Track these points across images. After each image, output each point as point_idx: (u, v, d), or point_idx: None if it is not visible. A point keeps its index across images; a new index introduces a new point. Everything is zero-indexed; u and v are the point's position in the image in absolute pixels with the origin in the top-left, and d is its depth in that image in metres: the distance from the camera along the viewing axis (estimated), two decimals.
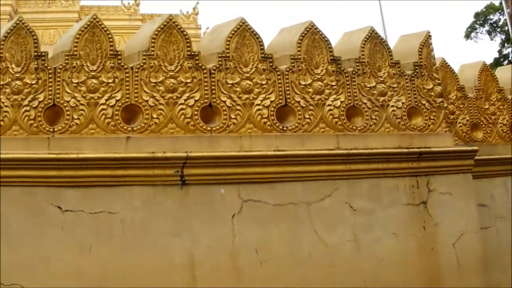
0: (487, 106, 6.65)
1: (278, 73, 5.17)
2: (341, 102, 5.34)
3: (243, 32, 5.15)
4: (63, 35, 21.65)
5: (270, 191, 5.17)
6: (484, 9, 37.01)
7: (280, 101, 5.14)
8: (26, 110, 4.71)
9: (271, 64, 5.16)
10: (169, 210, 4.93)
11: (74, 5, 23.59)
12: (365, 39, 5.58)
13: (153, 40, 4.91)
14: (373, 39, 5.62)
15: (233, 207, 5.07)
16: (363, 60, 5.51)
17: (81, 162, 4.75)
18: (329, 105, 5.31)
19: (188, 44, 4.98)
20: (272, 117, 5.08)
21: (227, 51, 5.07)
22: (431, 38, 5.96)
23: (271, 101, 5.11)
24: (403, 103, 5.57)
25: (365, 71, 5.48)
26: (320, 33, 5.40)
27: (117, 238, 4.81)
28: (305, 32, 5.34)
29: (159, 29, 4.94)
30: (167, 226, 4.90)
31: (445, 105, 5.82)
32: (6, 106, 4.69)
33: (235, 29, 5.13)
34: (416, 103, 5.64)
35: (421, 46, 5.84)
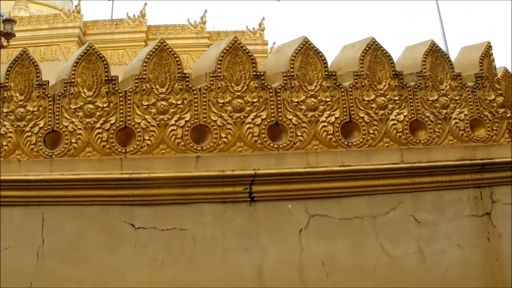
0: None
1: (342, 90, 5.25)
2: (404, 116, 5.38)
3: (306, 51, 5.23)
4: (132, 57, 22.05)
5: (336, 205, 5.24)
6: None
7: (345, 117, 5.21)
8: (99, 132, 4.89)
9: (335, 81, 5.24)
10: (238, 225, 5.04)
11: (142, 25, 24.16)
12: (426, 53, 5.62)
13: (219, 62, 5.04)
14: (434, 52, 5.64)
15: (300, 222, 5.14)
16: (425, 73, 5.54)
17: (153, 181, 4.92)
18: (393, 119, 5.35)
19: (253, 65, 5.08)
20: (337, 133, 5.16)
21: (292, 70, 5.16)
22: (491, 49, 5.96)
23: (336, 118, 5.19)
24: (465, 115, 5.58)
25: (427, 84, 5.52)
26: (382, 48, 5.45)
27: (188, 253, 4.95)
28: (367, 48, 5.40)
29: (224, 50, 5.06)
30: (237, 241, 5.02)
31: (508, 115, 5.78)
32: (79, 129, 4.90)
33: (299, 48, 5.22)
34: (479, 115, 5.65)
35: (481, 57, 5.85)
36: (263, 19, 25.67)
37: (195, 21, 24.95)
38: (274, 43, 25.96)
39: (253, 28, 25.19)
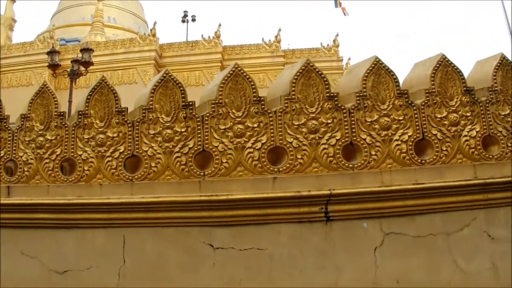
0: None
1: (414, 108, 5.28)
2: (477, 132, 5.39)
3: (378, 71, 5.27)
4: (208, 78, 22.54)
5: (410, 223, 5.25)
6: None
7: (418, 135, 5.24)
8: (178, 156, 5.01)
9: (407, 99, 5.28)
10: (314, 245, 5.11)
11: (217, 46, 24.71)
12: (497, 67, 5.60)
13: (293, 85, 5.12)
14: (505, 66, 5.63)
15: (375, 240, 5.18)
16: (496, 88, 5.51)
17: (231, 202, 5.06)
18: (465, 135, 5.36)
19: (326, 86, 5.16)
20: (411, 151, 5.20)
21: (364, 90, 5.22)
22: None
23: (409, 136, 5.23)
24: None
25: (498, 99, 5.52)
26: (452, 65, 5.45)
27: (265, 272, 5.05)
28: (438, 65, 5.42)
29: (298, 73, 5.14)
30: (313, 260, 5.09)
31: None
32: (159, 153, 5.02)
33: (370, 68, 5.27)
34: None
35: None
36: (337, 35, 25.82)
37: (269, 40, 25.32)
38: (349, 58, 26.10)
39: (327, 45, 25.27)
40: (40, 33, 36.07)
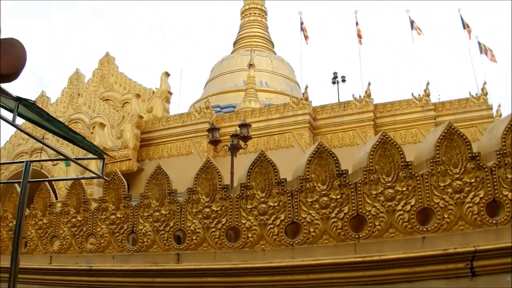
0: None
1: None
2: None
3: None
4: (362, 138, 22.69)
5: None
6: None
7: None
8: (334, 221, 5.68)
9: None
10: None
11: (368, 105, 25.55)
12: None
13: (437, 148, 5.64)
14: None
15: None
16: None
17: (384, 262, 5.90)
18: None
19: (468, 147, 5.84)
20: None
21: (504, 147, 5.76)
22: None
23: None
24: None
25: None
26: None
27: None
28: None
29: (441, 137, 5.76)
30: None
31: None
32: (316, 219, 5.75)
33: (508, 125, 5.57)
34: None
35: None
36: (485, 83, 25.45)
37: (419, 95, 25.30)
38: (499, 105, 25.84)
39: (476, 94, 25.05)
40: (195, 102, 40.01)
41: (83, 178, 7.78)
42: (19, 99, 5.35)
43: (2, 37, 4.16)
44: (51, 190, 8.46)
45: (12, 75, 5.43)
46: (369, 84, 27.51)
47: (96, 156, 7.03)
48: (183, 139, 29.76)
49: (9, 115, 5.58)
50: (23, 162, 6.93)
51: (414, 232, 5.83)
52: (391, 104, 27.79)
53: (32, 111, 5.64)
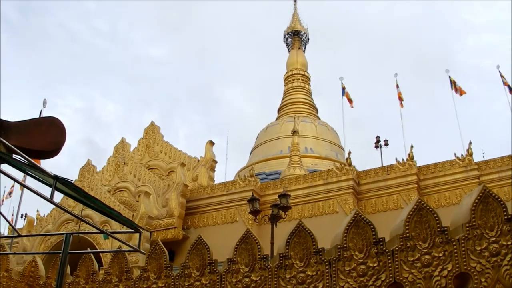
0: None
1: None
2: None
3: None
4: (406, 201, 23.34)
5: None
6: None
7: None
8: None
9: None
10: None
11: (411, 168, 26.08)
12: None
13: (473, 212, 5.62)
14: None
15: None
16: None
17: None
18: None
19: (504, 209, 5.74)
20: None
21: None
22: None
23: None
24: None
25: None
26: None
27: None
28: None
29: (476, 200, 5.84)
30: None
31: None
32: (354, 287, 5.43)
33: None
34: None
35: None
36: None
37: (462, 155, 25.54)
38: None
39: None
40: (240, 169, 41.26)
41: (121, 251, 7.92)
42: (56, 178, 5.57)
43: (43, 115, 4.42)
44: (94, 259, 8.58)
45: (52, 152, 5.71)
46: (412, 146, 27.63)
47: (132, 230, 7.28)
48: (228, 207, 30.09)
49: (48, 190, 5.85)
50: (63, 234, 7.28)
51: None
52: (434, 165, 27.69)
53: (69, 188, 5.88)
